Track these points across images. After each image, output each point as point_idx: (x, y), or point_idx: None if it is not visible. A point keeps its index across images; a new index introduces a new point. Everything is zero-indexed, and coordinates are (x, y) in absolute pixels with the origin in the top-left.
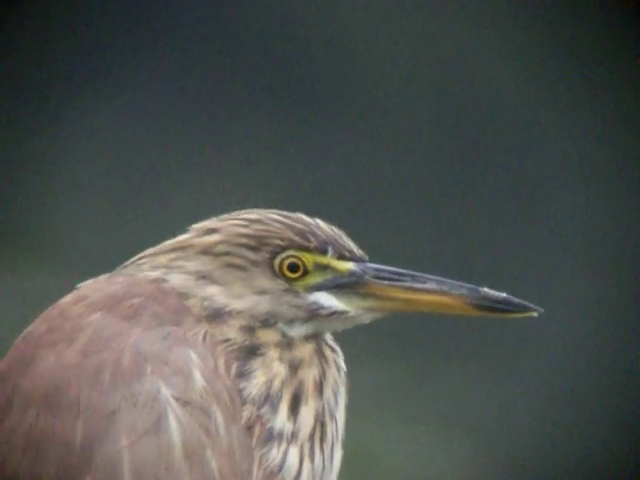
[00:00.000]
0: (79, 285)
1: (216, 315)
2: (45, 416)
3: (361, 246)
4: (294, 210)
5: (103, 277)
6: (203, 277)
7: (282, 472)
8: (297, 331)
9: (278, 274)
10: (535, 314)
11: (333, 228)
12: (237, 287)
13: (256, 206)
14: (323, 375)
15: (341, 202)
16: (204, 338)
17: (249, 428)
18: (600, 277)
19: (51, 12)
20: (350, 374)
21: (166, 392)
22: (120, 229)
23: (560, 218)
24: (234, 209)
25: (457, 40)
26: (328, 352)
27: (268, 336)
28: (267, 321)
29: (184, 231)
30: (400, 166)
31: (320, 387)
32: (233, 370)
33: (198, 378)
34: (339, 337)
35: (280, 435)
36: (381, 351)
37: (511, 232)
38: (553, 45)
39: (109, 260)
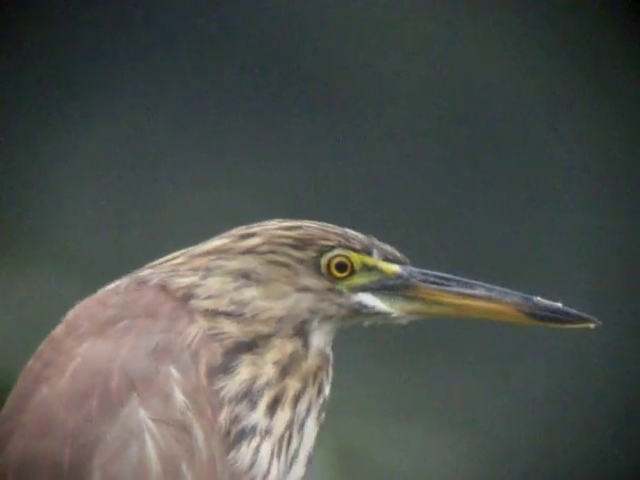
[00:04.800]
0: (93, 295)
1: (227, 314)
2: (37, 441)
3: None
4: (296, 209)
5: (113, 286)
6: (245, 276)
7: (254, 467)
8: (329, 328)
9: (324, 273)
10: (592, 325)
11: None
12: (279, 284)
13: (256, 206)
14: (303, 391)
15: (343, 200)
16: (193, 340)
17: (227, 432)
18: (604, 277)
19: (53, 12)
20: (348, 372)
21: (144, 414)
22: (121, 230)
23: (563, 216)
24: (235, 210)
25: (461, 39)
26: (322, 376)
27: (283, 346)
28: (303, 322)
29: (189, 232)
30: (402, 164)
31: (297, 400)
32: (218, 364)
33: (178, 396)
34: (336, 334)
35: (253, 430)
36: (379, 350)
37: (515, 230)
38: (556, 45)
39: (110, 261)
